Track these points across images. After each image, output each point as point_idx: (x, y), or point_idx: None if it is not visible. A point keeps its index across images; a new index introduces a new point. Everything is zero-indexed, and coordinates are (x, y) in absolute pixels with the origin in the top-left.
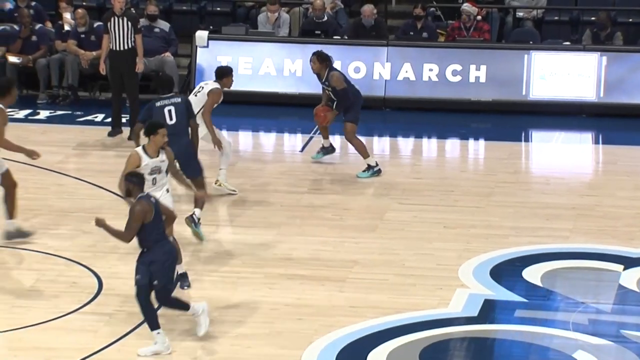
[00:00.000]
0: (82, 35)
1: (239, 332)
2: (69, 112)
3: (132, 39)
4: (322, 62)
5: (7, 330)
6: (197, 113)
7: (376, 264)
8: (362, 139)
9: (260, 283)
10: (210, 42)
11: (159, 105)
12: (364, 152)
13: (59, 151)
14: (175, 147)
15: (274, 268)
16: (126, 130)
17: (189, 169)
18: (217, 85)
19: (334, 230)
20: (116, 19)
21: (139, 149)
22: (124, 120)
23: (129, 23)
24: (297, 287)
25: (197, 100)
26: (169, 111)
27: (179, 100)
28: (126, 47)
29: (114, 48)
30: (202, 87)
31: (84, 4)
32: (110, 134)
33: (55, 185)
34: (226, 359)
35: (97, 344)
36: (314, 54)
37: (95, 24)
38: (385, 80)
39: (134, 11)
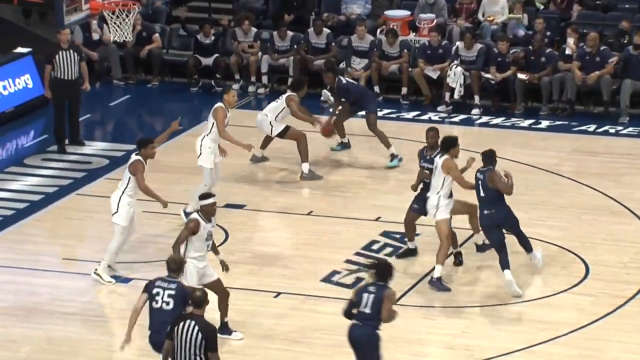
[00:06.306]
0: (587, 57)
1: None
2: (566, 122)
3: None
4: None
5: (491, 305)
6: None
7: None
8: None
9: None
10: None
11: None
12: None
13: (556, 155)
14: None
15: None
16: None
17: None
18: None
19: None
20: None
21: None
22: None
23: None
24: None
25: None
26: None
27: None
28: None
29: None
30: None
31: None
32: None
33: (551, 184)
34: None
35: (583, 320)
36: None
37: (602, 48)
38: None
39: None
